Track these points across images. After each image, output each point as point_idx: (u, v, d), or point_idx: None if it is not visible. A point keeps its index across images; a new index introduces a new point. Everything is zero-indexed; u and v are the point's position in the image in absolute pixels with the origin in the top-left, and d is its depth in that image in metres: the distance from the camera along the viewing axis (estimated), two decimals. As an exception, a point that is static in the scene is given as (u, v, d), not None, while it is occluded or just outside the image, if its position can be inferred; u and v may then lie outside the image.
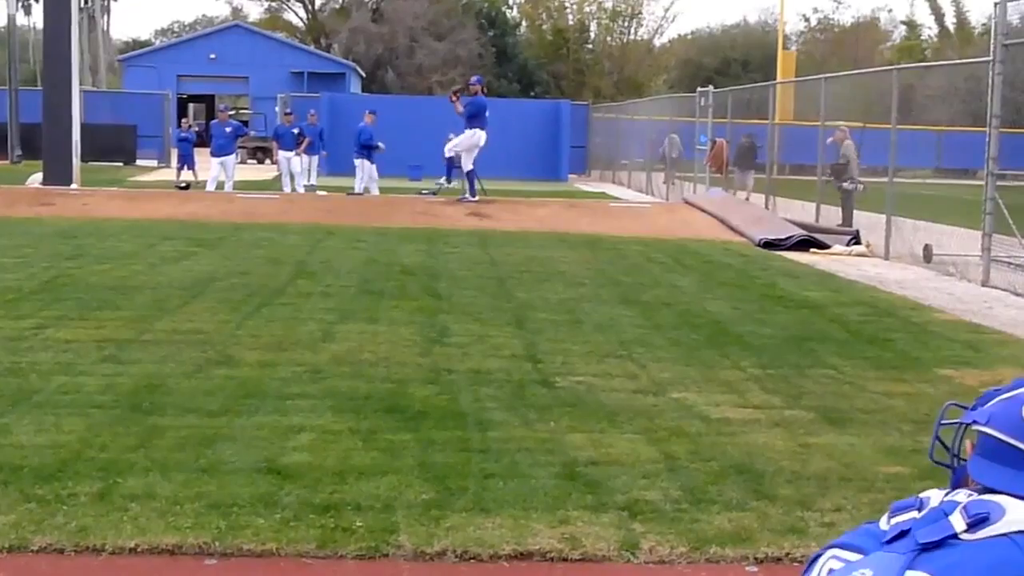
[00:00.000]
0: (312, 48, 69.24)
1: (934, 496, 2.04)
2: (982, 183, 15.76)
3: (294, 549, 4.91)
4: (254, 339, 9.42)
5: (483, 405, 7.45)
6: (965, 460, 2.07)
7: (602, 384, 8.17)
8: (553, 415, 7.21)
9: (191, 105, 60.92)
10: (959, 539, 1.92)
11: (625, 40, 78.10)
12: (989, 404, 2.03)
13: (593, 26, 78.03)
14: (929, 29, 77.29)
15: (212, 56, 62.16)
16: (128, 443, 6.30)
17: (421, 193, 28.13)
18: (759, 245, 19.04)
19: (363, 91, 64.12)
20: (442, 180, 25.72)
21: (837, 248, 18.88)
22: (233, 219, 20.15)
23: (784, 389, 8.17)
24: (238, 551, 4.89)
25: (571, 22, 76.79)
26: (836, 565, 2.02)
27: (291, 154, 28.78)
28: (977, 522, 1.92)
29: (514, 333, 10.11)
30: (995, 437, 1.99)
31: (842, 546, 2.07)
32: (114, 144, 40.97)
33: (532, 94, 67.33)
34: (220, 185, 27.32)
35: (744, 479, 5.94)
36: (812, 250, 18.71)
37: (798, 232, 19.53)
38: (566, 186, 38.61)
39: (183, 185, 28.84)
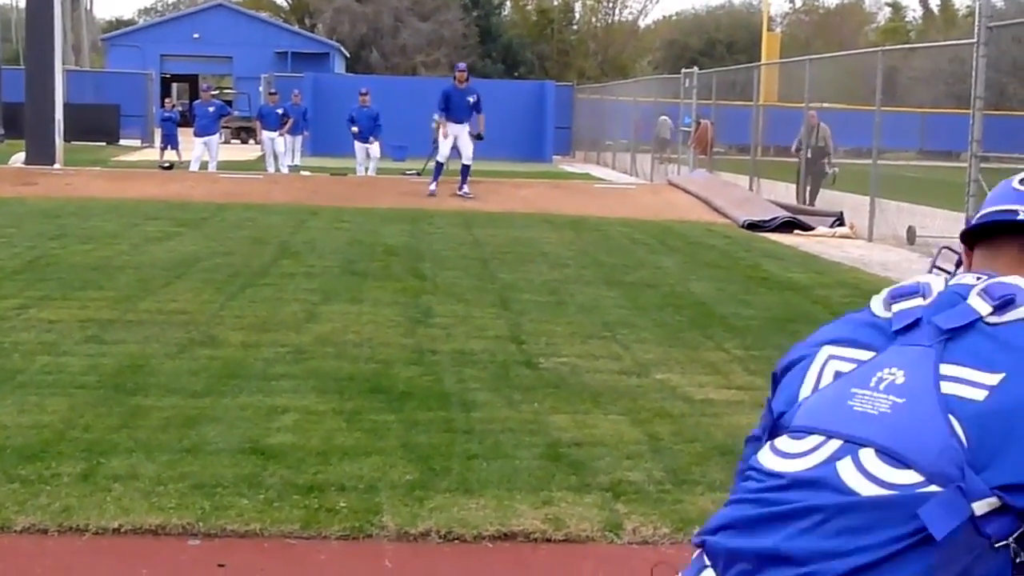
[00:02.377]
0: (296, 28, 69.02)
1: (934, 282, 1.94)
2: (965, 165, 15.77)
3: (278, 529, 4.91)
4: (238, 319, 9.41)
5: (467, 386, 7.45)
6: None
7: (586, 365, 8.18)
8: (537, 396, 7.22)
9: (174, 85, 60.75)
10: (986, 323, 1.82)
11: (610, 21, 78.09)
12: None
13: (578, 6, 78.03)
14: (914, 11, 77.72)
15: (196, 36, 61.92)
16: (111, 423, 6.29)
17: (405, 174, 28.11)
18: (743, 226, 19.06)
19: (347, 71, 63.92)
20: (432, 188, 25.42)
21: (821, 230, 18.89)
22: (217, 199, 20.10)
23: (767, 370, 8.14)
24: (222, 531, 4.89)
25: (556, 2, 76.70)
26: (844, 367, 1.89)
27: (275, 134, 28.70)
28: (1004, 304, 1.83)
29: (498, 314, 10.11)
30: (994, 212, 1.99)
31: (837, 342, 1.95)
32: (97, 124, 40.81)
33: (516, 75, 67.25)
34: (203, 165, 27.24)
35: (727, 460, 5.96)
36: (796, 232, 18.73)
37: (782, 214, 19.55)
38: (550, 167, 38.58)
39: (166, 165, 28.74)
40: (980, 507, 1.67)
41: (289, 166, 29.04)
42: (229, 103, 41.01)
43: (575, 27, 77.70)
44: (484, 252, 14.40)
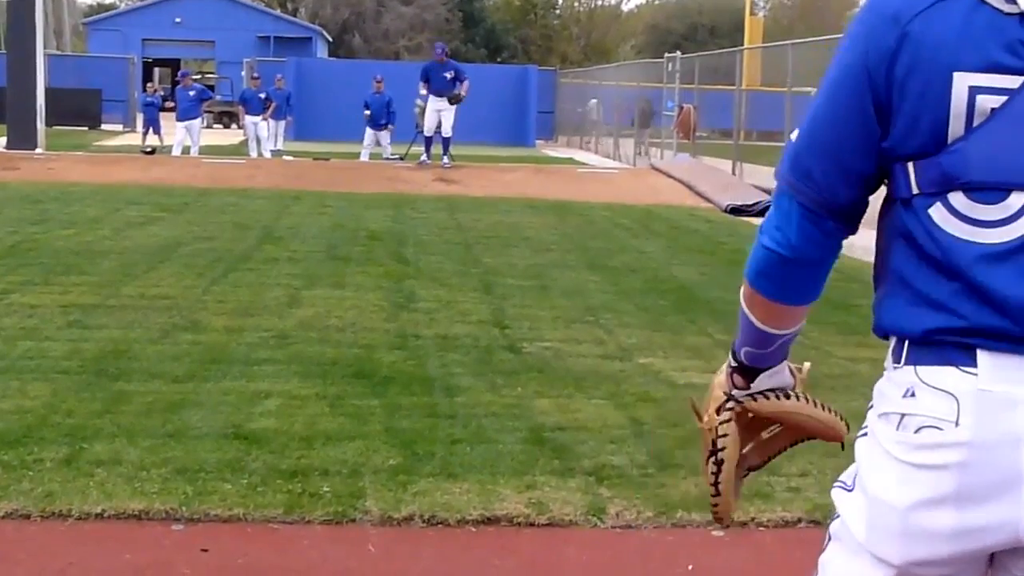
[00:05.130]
0: (278, 12, 68.76)
1: None
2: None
3: (261, 514, 4.90)
4: (220, 304, 9.39)
5: (450, 371, 7.45)
6: None
7: (569, 350, 8.19)
8: (520, 380, 7.22)
9: (156, 69, 60.41)
10: None
11: (593, 5, 77.98)
12: None
13: (561, -9, 77.84)
14: (896, -5, 77.44)
15: (178, 20, 61.65)
16: (94, 408, 6.28)
17: (386, 157, 28.04)
18: (726, 211, 19.07)
19: (330, 56, 63.74)
20: (423, 157, 25.50)
21: (804, 214, 18.89)
22: (199, 184, 20.05)
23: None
24: (205, 516, 4.88)
25: (539, -13, 76.56)
26: (995, 101, 1.70)
27: (258, 118, 28.62)
28: None
29: (481, 298, 10.11)
30: None
31: (971, 67, 1.71)
32: (79, 108, 40.56)
33: (499, 59, 67.16)
34: (186, 150, 27.18)
35: (710, 444, 5.96)
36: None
37: (765, 198, 19.53)
38: (533, 152, 38.53)
39: (149, 150, 28.66)
40: None
41: (272, 151, 28.99)
42: (211, 88, 40.90)
43: (558, 12, 77.62)
44: (467, 237, 14.39)
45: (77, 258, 11.49)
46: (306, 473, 5.35)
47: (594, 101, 33.10)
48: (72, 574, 4.46)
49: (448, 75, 24.44)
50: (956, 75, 1.70)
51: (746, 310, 2.10)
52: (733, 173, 24.65)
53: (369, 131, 28.11)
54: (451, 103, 24.41)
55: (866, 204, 1.97)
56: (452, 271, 11.56)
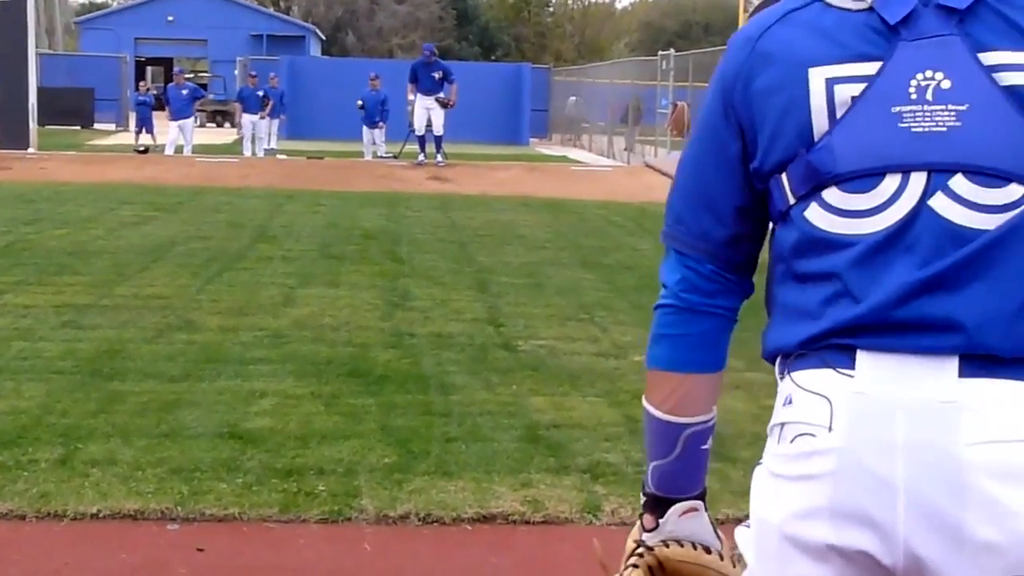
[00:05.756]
0: (272, 11, 68.65)
1: None
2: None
3: (257, 514, 4.91)
4: (215, 304, 9.39)
5: (445, 369, 7.45)
6: None
7: (564, 347, 8.19)
8: (515, 378, 7.22)
9: (149, 68, 60.31)
10: None
11: (587, 3, 77.99)
12: None
13: (554, -12, 77.85)
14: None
15: (170, 18, 61.48)
16: (89, 409, 6.27)
17: (379, 155, 28.02)
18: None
19: (323, 54, 63.68)
20: (420, 157, 25.49)
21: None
22: (192, 183, 20.02)
23: (744, 352, 8.16)
24: (200, 516, 4.88)
25: (532, -15, 76.55)
26: (854, 90, 1.66)
27: (256, 117, 28.61)
28: None
29: (476, 297, 10.11)
30: None
31: (824, 60, 1.67)
32: (71, 108, 40.49)
33: (493, 57, 67.11)
34: (179, 149, 27.13)
35: (705, 441, 5.96)
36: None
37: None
38: (527, 150, 38.51)
39: (142, 149, 28.60)
40: None
41: (265, 149, 28.95)
42: (204, 87, 40.85)
43: (551, 9, 77.60)
44: (461, 235, 14.38)
45: (71, 258, 11.48)
46: (301, 472, 5.35)
47: (572, 99, 33.07)
48: (67, 574, 4.45)
49: (436, 75, 24.57)
50: (811, 70, 1.67)
51: (645, 404, 1.98)
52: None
53: (366, 129, 28.12)
54: (440, 106, 24.57)
55: (747, 250, 1.90)
56: (446, 269, 11.56)
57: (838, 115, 1.66)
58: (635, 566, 1.99)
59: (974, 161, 1.59)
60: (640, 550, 2.01)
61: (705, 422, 1.96)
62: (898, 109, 1.62)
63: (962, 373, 1.60)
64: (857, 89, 1.65)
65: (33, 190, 18.14)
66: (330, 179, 21.51)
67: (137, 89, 34.72)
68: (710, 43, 51.17)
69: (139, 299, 9.49)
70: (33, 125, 26.44)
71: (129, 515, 4.86)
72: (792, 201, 1.72)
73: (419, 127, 24.85)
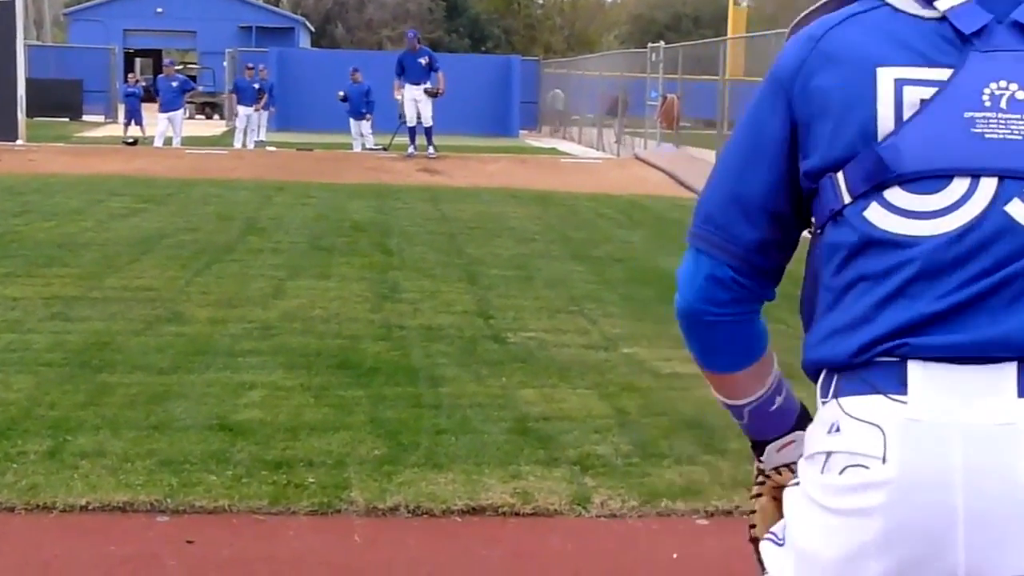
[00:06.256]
0: (260, 2, 68.45)
1: None
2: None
3: (246, 505, 4.91)
4: (204, 296, 9.38)
5: (435, 361, 7.46)
6: None
7: (553, 340, 8.20)
8: (505, 371, 7.23)
9: (138, 60, 60.15)
10: None
11: (576, -5, 77.86)
12: None
13: (544, -20, 77.73)
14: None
15: (159, 10, 61.27)
16: (78, 400, 6.27)
17: (367, 147, 27.98)
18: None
19: (312, 46, 63.54)
20: (410, 149, 25.46)
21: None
22: (182, 175, 19.97)
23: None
24: (190, 508, 4.88)
25: (522, -24, 76.42)
26: (924, 93, 1.65)
27: (251, 109, 28.58)
28: None
29: (465, 289, 10.11)
30: None
31: (895, 62, 1.66)
32: (60, 99, 40.30)
33: (483, 49, 66.98)
34: (168, 141, 27.08)
35: (694, 433, 5.99)
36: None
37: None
38: (517, 142, 38.47)
39: (131, 141, 28.53)
40: None
41: (255, 141, 28.91)
42: (193, 78, 40.72)
43: (541, 2, 77.49)
44: (451, 227, 14.38)
45: (59, 250, 11.45)
46: (291, 464, 5.35)
47: (554, 92, 33.07)
48: (57, 566, 4.45)
49: (423, 61, 24.42)
50: (880, 70, 1.66)
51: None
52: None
53: (353, 121, 28.09)
54: (428, 96, 24.44)
55: (775, 257, 1.88)
56: (436, 261, 11.56)
57: (905, 116, 1.65)
58: (759, 495, 2.09)
59: None
60: (759, 479, 2.10)
61: (761, 396, 1.97)
62: (971, 115, 1.62)
63: (1021, 392, 1.57)
64: (927, 92, 1.64)
65: (22, 182, 18.09)
66: (320, 171, 21.49)
67: (126, 81, 34.70)
68: (700, 35, 51.19)
69: (128, 291, 9.48)
70: (22, 117, 26.38)
71: (118, 507, 4.86)
72: (848, 200, 1.69)
73: (410, 119, 24.72)
